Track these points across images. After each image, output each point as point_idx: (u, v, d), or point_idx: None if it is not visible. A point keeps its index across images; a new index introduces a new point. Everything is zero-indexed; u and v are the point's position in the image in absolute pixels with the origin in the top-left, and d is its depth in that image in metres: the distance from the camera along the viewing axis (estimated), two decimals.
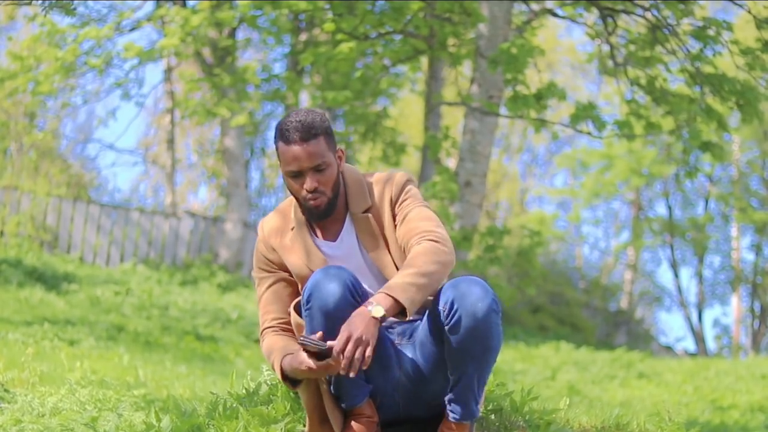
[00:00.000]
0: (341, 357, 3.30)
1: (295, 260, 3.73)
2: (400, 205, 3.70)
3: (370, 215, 3.68)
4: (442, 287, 3.50)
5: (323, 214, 3.65)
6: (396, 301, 3.38)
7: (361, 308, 3.37)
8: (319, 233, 3.74)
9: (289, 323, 3.73)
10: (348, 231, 3.71)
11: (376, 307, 3.35)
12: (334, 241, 3.72)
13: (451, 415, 3.58)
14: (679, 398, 12.48)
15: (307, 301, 3.50)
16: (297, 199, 3.67)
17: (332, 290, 3.45)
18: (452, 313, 3.43)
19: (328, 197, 3.61)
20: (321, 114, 3.61)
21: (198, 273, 18.01)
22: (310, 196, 3.59)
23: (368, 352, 3.30)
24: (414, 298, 3.39)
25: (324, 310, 3.45)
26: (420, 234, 3.59)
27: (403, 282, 3.41)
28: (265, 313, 3.78)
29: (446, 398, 3.59)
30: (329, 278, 3.47)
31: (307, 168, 3.56)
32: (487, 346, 3.46)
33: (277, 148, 3.61)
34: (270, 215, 3.84)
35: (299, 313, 3.63)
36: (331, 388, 3.63)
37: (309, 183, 3.57)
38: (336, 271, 3.49)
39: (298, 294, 3.74)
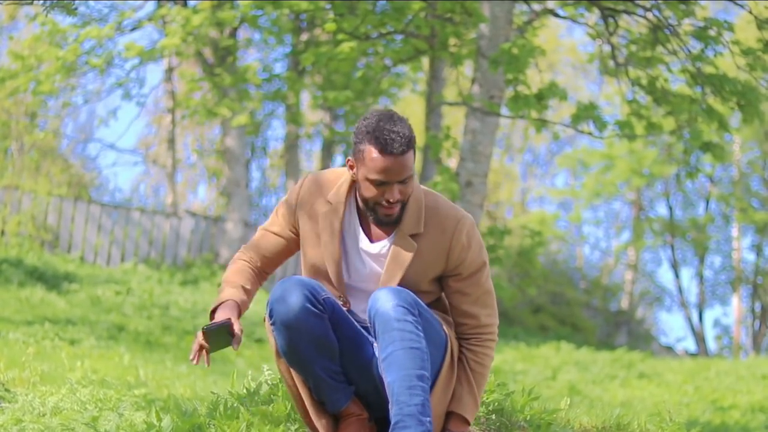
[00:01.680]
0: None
1: (309, 233, 3.69)
2: (462, 263, 3.62)
3: (414, 244, 3.59)
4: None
5: (392, 222, 3.59)
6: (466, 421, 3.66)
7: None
8: (363, 230, 3.68)
9: (259, 267, 3.78)
10: (389, 240, 3.64)
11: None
12: (372, 242, 3.66)
13: None
14: (679, 398, 12.48)
15: (270, 315, 3.53)
16: (366, 200, 3.56)
17: (293, 303, 3.47)
18: (372, 324, 3.48)
19: (402, 206, 3.57)
20: (408, 123, 3.53)
21: (199, 273, 18.01)
22: (387, 205, 3.52)
23: None
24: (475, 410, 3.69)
25: (286, 324, 3.49)
26: (482, 326, 3.68)
27: (477, 404, 3.67)
28: (251, 246, 3.80)
29: (390, 429, 3.45)
30: (289, 291, 3.49)
31: (395, 180, 3.49)
32: (406, 347, 3.40)
33: (362, 150, 3.48)
34: (319, 175, 3.74)
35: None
36: (314, 394, 3.65)
37: (393, 195, 3.50)
38: (295, 283, 3.51)
39: (282, 255, 3.77)
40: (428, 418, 3.40)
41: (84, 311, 12.65)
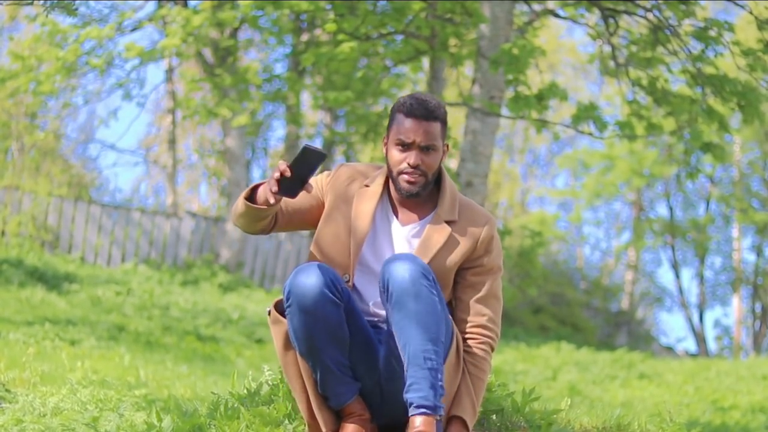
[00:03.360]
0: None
1: (333, 212, 3.75)
2: (484, 257, 3.73)
3: (448, 228, 3.70)
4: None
5: (413, 194, 3.68)
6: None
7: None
8: (396, 213, 3.77)
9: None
10: (422, 224, 3.73)
11: None
12: (404, 225, 3.74)
13: (410, 407, 3.46)
14: (680, 399, 12.48)
15: (287, 299, 3.54)
16: (392, 171, 3.69)
17: (313, 286, 3.49)
18: (386, 288, 3.50)
19: (425, 180, 3.67)
20: (443, 104, 3.70)
21: (199, 273, 18.01)
22: (410, 170, 3.64)
23: None
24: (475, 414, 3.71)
25: (303, 308, 3.50)
26: (485, 328, 3.73)
27: (476, 410, 3.70)
28: None
29: (404, 392, 3.49)
30: (309, 275, 3.50)
31: (417, 143, 3.63)
32: (420, 310, 3.44)
33: (392, 119, 3.68)
34: (356, 164, 3.87)
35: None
36: (318, 388, 3.64)
37: (414, 158, 3.63)
38: (316, 268, 3.52)
39: (301, 214, 3.78)
40: (441, 382, 3.46)
41: (84, 312, 12.65)
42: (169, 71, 20.94)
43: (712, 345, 29.03)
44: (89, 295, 14.08)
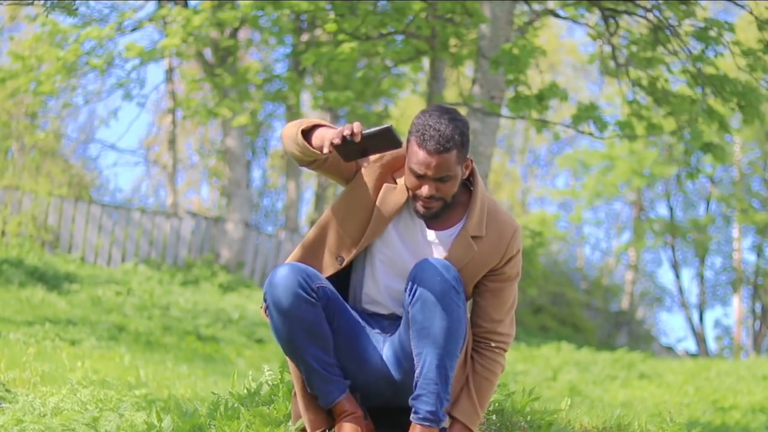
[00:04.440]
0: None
1: (355, 192, 3.67)
2: (506, 266, 3.69)
3: (475, 247, 3.64)
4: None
5: (429, 218, 3.62)
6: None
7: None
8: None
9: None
10: (451, 234, 3.67)
11: None
12: (438, 230, 3.67)
13: (414, 415, 3.54)
14: (680, 399, 12.47)
15: (265, 300, 3.58)
16: (409, 189, 3.60)
17: (285, 287, 3.51)
18: (413, 290, 3.50)
19: (443, 203, 3.58)
20: (462, 123, 3.55)
21: (199, 273, 18.01)
22: (423, 200, 3.56)
23: None
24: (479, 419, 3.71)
25: (279, 309, 3.53)
26: (499, 333, 3.72)
27: (477, 412, 3.68)
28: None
29: (411, 398, 3.56)
30: (283, 275, 3.53)
31: (430, 177, 3.52)
32: (444, 325, 3.47)
33: (409, 138, 3.56)
34: (396, 154, 3.71)
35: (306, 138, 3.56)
36: (307, 387, 3.67)
37: (428, 190, 3.53)
38: (290, 268, 3.54)
39: (329, 164, 3.65)
40: (448, 395, 3.54)
41: (84, 312, 12.65)
42: (170, 71, 20.94)
43: (712, 345, 29.06)
44: (89, 295, 14.08)
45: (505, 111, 9.98)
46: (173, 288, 16.54)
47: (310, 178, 26.73)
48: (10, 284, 13.75)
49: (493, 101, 9.55)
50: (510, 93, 9.58)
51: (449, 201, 3.59)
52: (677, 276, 28.13)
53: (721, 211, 28.45)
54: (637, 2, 9.81)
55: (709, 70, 9.42)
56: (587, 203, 29.34)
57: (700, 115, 9.48)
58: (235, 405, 4.04)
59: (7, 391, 5.15)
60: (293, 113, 18.78)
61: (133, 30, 14.43)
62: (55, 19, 12.89)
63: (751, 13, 9.19)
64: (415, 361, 3.54)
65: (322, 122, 3.57)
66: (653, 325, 31.22)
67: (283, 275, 3.52)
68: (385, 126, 3.41)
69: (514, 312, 3.76)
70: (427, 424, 3.52)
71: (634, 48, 10.29)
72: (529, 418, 4.16)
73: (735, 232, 28.39)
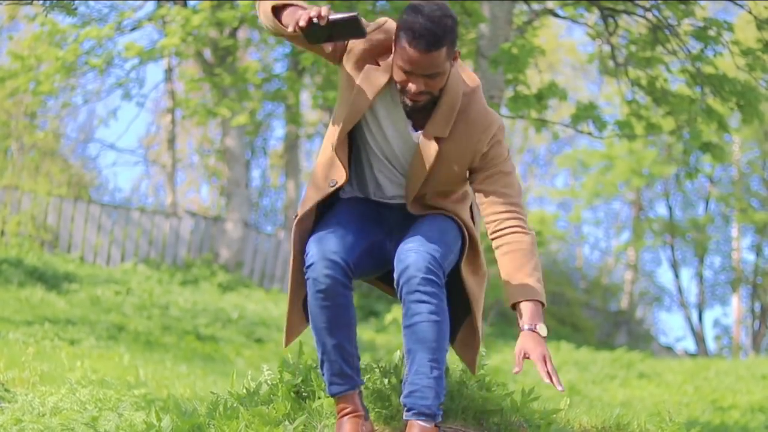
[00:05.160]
0: (547, 375, 3.38)
1: (351, 79, 3.61)
2: (488, 158, 3.63)
3: (436, 147, 3.59)
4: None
5: (417, 110, 3.58)
6: (542, 305, 3.54)
7: (532, 333, 3.46)
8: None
9: None
10: (418, 132, 3.63)
11: (541, 327, 3.48)
12: (413, 129, 3.63)
13: (408, 412, 3.51)
14: (679, 398, 12.48)
15: (307, 269, 3.55)
16: (396, 82, 3.55)
17: (327, 275, 3.49)
18: (398, 280, 3.51)
19: (430, 97, 3.54)
20: (452, 19, 3.48)
21: (198, 273, 18.01)
22: (411, 94, 3.51)
23: (553, 363, 3.42)
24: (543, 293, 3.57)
25: (318, 290, 3.52)
26: (516, 217, 3.62)
27: (539, 286, 3.53)
28: None
29: (402, 396, 3.54)
30: (327, 262, 3.50)
31: (419, 73, 3.47)
32: (431, 319, 3.47)
33: (398, 34, 3.48)
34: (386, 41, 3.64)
35: (276, 15, 3.52)
36: (320, 368, 3.67)
37: (416, 86, 3.48)
38: (333, 252, 3.51)
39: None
40: (444, 390, 3.52)
41: (84, 311, 12.65)
42: (169, 71, 20.94)
43: (711, 344, 29.08)
44: (89, 294, 14.08)
45: (504, 110, 9.97)
46: (172, 287, 16.55)
47: (310, 178, 26.73)
48: (10, 284, 13.75)
49: (492, 101, 9.55)
50: (509, 92, 9.58)
51: (436, 94, 3.55)
52: (676, 275, 28.15)
53: (720, 210, 28.47)
54: (636, 2, 9.81)
55: (708, 69, 9.42)
56: (586, 203, 29.36)
57: (699, 114, 9.48)
58: (234, 404, 4.04)
59: (6, 390, 5.15)
60: (292, 113, 18.78)
61: (133, 30, 14.43)
62: (55, 18, 12.89)
63: (750, 12, 9.19)
64: (405, 358, 3.54)
65: (297, 2, 3.53)
66: (652, 324, 31.26)
67: (329, 257, 3.50)
68: (353, 14, 3.37)
69: (521, 193, 3.69)
70: (423, 419, 3.49)
71: (633, 47, 10.29)
72: (528, 417, 4.16)
73: (734, 232, 28.40)
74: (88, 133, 25.07)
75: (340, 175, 3.66)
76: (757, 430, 10.44)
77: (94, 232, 18.18)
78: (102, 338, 10.75)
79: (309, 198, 3.71)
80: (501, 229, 3.64)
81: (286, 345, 3.76)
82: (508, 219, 3.63)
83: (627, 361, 16.11)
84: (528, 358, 3.42)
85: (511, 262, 3.59)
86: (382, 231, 3.73)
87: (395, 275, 3.54)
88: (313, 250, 3.53)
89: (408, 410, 3.51)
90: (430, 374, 3.48)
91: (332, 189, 3.66)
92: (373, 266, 3.71)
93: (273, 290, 18.76)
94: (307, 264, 3.54)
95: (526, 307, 3.50)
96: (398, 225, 3.73)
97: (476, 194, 3.71)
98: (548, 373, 3.37)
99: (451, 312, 3.59)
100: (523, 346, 3.43)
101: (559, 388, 3.36)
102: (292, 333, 3.78)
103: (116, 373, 7.72)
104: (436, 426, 3.53)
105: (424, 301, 3.46)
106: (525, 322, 3.49)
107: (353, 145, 3.72)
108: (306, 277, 3.55)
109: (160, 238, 18.77)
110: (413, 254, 3.49)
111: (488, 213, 3.65)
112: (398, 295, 3.55)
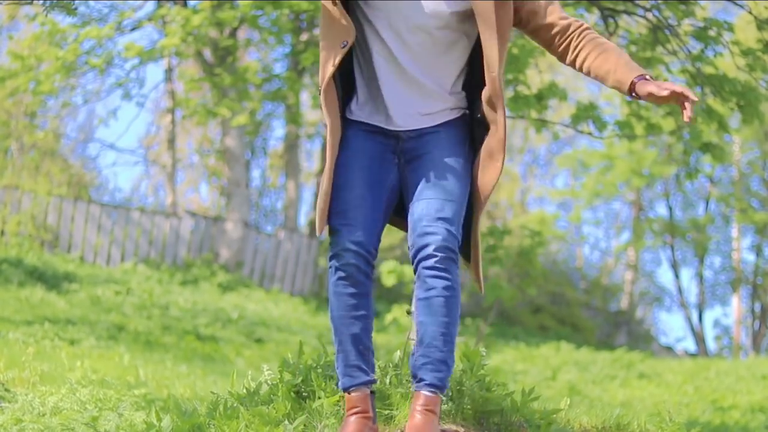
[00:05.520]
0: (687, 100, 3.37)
1: None
2: None
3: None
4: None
5: None
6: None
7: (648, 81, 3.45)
8: None
9: None
10: None
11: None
12: None
13: (419, 383, 3.55)
14: (679, 398, 12.48)
15: (331, 258, 3.59)
16: None
17: (351, 265, 3.54)
18: (415, 256, 3.55)
19: None
20: None
21: (198, 273, 18.01)
22: None
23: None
24: None
25: (341, 277, 3.56)
26: (572, 26, 3.61)
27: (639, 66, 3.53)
28: None
29: (413, 367, 3.58)
30: (350, 253, 3.54)
31: None
32: (446, 294, 3.52)
33: None
34: None
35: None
36: (336, 363, 3.68)
37: None
38: (356, 242, 3.54)
39: None
40: (453, 365, 3.59)
41: (84, 311, 12.65)
42: (169, 71, 20.94)
43: (711, 345, 29.07)
44: (89, 294, 14.08)
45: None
46: (172, 287, 16.55)
47: (309, 178, 26.74)
48: (10, 284, 13.75)
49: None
50: (509, 93, 9.58)
51: None
52: (676, 276, 28.15)
53: (720, 210, 28.47)
54: (637, 2, 9.81)
55: (709, 69, 9.42)
56: (586, 203, 29.35)
57: (700, 114, 9.47)
58: (235, 405, 4.04)
59: (7, 390, 5.15)
60: (293, 113, 18.79)
61: (133, 29, 14.42)
62: (55, 18, 12.88)
63: (750, 12, 9.18)
64: (417, 329, 3.59)
65: None
66: (652, 324, 31.24)
67: (353, 249, 3.54)
68: None
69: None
70: (433, 389, 3.53)
71: (633, 48, 10.28)
72: (528, 417, 4.16)
73: (734, 232, 28.40)
74: (88, 133, 25.07)
75: (347, 33, 3.57)
76: (758, 431, 10.44)
77: (94, 232, 18.18)
78: (102, 338, 10.75)
79: (324, 63, 3.62)
80: (569, 37, 3.62)
81: (320, 232, 3.67)
82: (571, 31, 3.62)
83: (627, 362, 16.12)
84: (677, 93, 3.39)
85: (605, 61, 3.56)
86: (395, 169, 3.68)
87: (411, 249, 3.57)
88: (339, 236, 3.56)
89: (419, 381, 3.56)
90: (443, 348, 3.54)
91: (344, 49, 3.56)
92: (387, 220, 3.72)
93: (273, 290, 18.76)
94: (330, 253, 3.60)
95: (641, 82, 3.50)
96: (409, 154, 3.67)
97: (525, 18, 3.64)
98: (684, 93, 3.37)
99: None
100: (656, 85, 3.42)
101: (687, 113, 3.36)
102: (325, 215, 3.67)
103: (116, 373, 7.72)
104: (442, 397, 3.61)
105: (440, 277, 3.51)
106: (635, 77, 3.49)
107: (357, 66, 3.67)
108: (329, 265, 3.61)
109: (160, 238, 18.77)
110: (431, 235, 3.52)
111: (551, 35, 3.63)
112: (414, 266, 3.59)
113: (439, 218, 3.52)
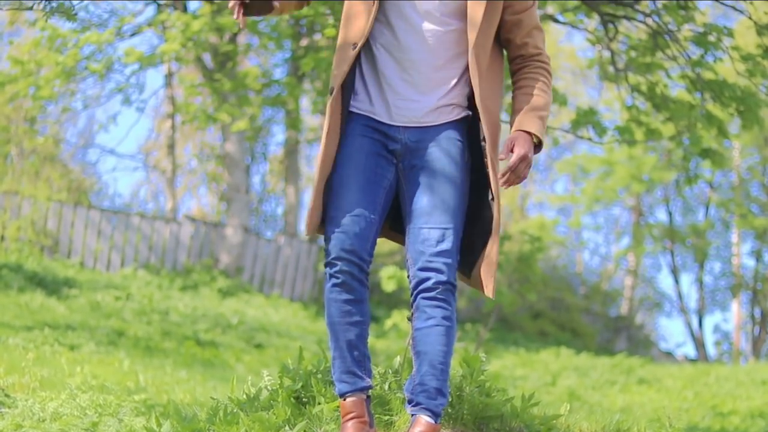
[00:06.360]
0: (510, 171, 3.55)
1: None
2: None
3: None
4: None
5: None
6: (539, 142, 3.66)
7: (525, 135, 3.59)
8: None
9: None
10: None
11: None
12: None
13: (415, 406, 3.58)
14: (679, 404, 12.48)
15: (331, 265, 3.61)
16: None
17: (347, 274, 3.58)
18: (413, 290, 3.62)
19: None
20: None
21: (198, 278, 18.01)
22: None
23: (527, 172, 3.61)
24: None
25: (338, 284, 3.61)
26: (537, 57, 3.73)
27: (542, 126, 3.64)
28: None
29: (409, 392, 3.61)
30: (346, 263, 3.57)
31: None
32: (446, 324, 3.59)
33: None
34: None
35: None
36: (333, 370, 3.70)
37: None
38: (353, 250, 3.57)
39: None
40: (448, 393, 3.66)
41: (84, 316, 12.65)
42: (169, 76, 20.96)
43: (711, 350, 29.06)
44: (89, 300, 14.08)
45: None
46: (172, 293, 16.55)
47: (309, 183, 26.74)
48: (10, 289, 13.74)
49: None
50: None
51: None
52: (676, 281, 28.16)
53: (720, 216, 28.47)
54: (637, 7, 9.82)
55: (708, 75, 9.42)
56: (586, 208, 29.35)
57: (699, 120, 9.48)
58: (235, 410, 4.04)
59: (7, 396, 5.15)
60: (292, 118, 18.79)
61: (133, 35, 14.44)
62: (55, 23, 12.89)
63: (750, 18, 9.19)
64: (414, 357, 3.62)
65: None
66: (652, 330, 31.23)
67: (351, 258, 3.57)
68: None
69: (544, 38, 3.77)
70: (430, 415, 3.57)
71: (633, 53, 10.29)
72: (528, 423, 4.16)
73: (734, 237, 28.40)
74: (88, 138, 25.07)
75: (357, 32, 3.63)
76: None
77: (94, 238, 18.18)
78: (102, 344, 10.75)
79: (338, 63, 3.71)
80: (521, 69, 3.75)
81: (308, 233, 3.75)
82: (528, 63, 3.74)
83: (627, 367, 16.11)
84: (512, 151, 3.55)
85: (522, 101, 3.69)
86: (393, 169, 3.70)
87: (412, 280, 3.63)
88: (331, 244, 3.59)
89: (415, 405, 3.59)
90: (440, 376, 3.59)
91: (355, 52, 3.63)
92: (383, 221, 3.74)
93: (273, 295, 18.76)
94: (325, 260, 3.63)
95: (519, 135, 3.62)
96: (408, 160, 3.69)
97: (503, 38, 3.74)
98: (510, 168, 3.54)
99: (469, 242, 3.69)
100: (516, 142, 3.58)
101: (501, 182, 3.55)
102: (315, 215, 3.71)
103: (116, 379, 7.72)
104: (438, 424, 3.61)
105: (439, 306, 3.58)
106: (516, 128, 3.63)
107: (362, 60, 3.71)
108: (325, 271, 3.64)
109: (160, 243, 18.76)
110: (432, 271, 3.58)
111: (515, 55, 3.75)
112: (412, 297, 3.63)
113: (440, 252, 3.58)
